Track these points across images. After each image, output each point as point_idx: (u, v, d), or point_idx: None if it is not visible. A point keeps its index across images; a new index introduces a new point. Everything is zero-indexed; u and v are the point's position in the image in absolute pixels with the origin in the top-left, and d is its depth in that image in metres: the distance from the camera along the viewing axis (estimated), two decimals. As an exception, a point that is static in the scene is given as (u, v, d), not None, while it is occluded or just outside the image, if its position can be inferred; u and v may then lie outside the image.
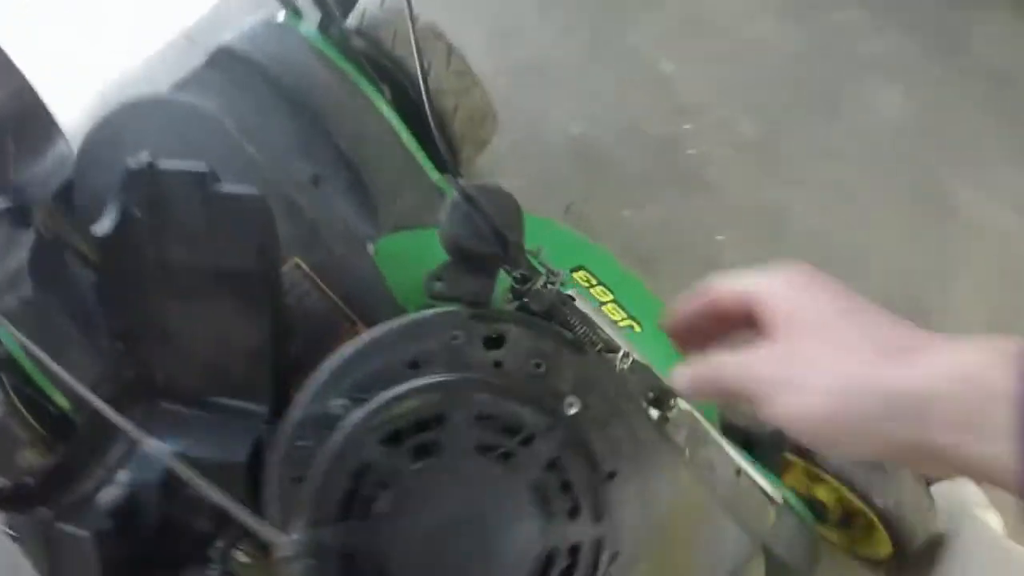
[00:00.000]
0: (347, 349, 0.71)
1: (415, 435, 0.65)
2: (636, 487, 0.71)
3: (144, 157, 0.79)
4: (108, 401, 0.83)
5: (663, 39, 1.96)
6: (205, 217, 0.81)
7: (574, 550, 0.65)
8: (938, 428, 0.44)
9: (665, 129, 1.79)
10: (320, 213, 0.90)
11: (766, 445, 1.11)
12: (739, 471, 0.83)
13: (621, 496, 0.70)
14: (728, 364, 0.52)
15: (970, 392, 0.44)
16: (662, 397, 0.80)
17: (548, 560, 0.64)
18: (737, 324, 0.56)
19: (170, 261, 0.82)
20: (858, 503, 1.23)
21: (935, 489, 1.31)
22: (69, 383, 0.69)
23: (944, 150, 1.85)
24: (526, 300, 0.76)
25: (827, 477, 1.23)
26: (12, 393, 0.87)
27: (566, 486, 0.65)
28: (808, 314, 0.50)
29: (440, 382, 0.66)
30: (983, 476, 0.44)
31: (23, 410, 0.88)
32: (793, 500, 1.11)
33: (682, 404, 0.80)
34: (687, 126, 1.79)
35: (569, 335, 0.72)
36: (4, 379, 0.87)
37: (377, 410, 0.65)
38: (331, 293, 0.88)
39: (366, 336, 0.71)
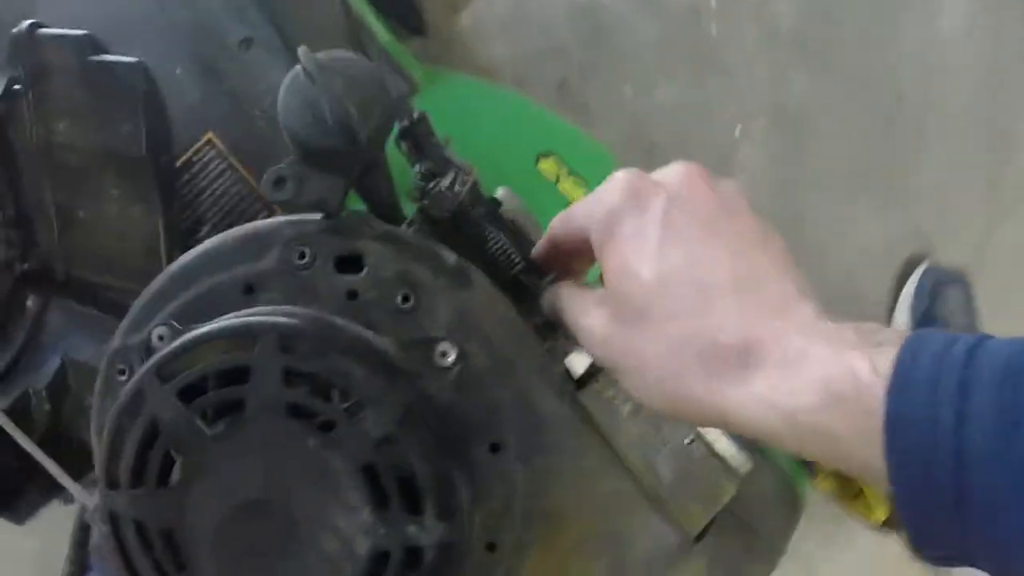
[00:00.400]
0: (176, 263, 0.55)
1: (216, 390, 0.49)
2: (524, 466, 0.53)
3: (27, 23, 0.66)
4: (6, 289, 0.74)
5: None
6: (85, 90, 0.67)
7: (413, 552, 0.48)
8: (798, 445, 0.39)
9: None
10: (244, 82, 0.73)
11: None
12: (692, 438, 0.62)
13: (501, 475, 0.52)
14: (569, 311, 0.51)
15: (838, 420, 0.36)
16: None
17: (380, 559, 0.49)
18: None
19: (55, 140, 0.69)
20: None
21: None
22: None
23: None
24: (425, 203, 0.57)
25: None
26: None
27: (402, 473, 0.48)
28: (636, 282, 0.43)
29: (247, 326, 0.49)
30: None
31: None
32: (784, 457, 0.88)
33: None
34: (713, 1, 1.40)
35: (452, 258, 0.53)
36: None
37: (173, 354, 0.50)
38: (248, 176, 0.73)
39: (197, 249, 0.55)
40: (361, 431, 0.47)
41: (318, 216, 0.53)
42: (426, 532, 0.48)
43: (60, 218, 0.72)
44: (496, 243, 0.58)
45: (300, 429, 0.48)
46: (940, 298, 1.30)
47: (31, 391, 0.70)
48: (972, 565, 0.35)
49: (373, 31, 0.78)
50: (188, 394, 0.49)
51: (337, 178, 0.52)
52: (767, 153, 1.27)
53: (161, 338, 0.54)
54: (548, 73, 1.26)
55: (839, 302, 0.43)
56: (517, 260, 0.58)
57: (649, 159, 1.22)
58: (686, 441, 0.63)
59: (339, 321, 0.50)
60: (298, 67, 0.50)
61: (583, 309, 0.50)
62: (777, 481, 0.75)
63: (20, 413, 0.70)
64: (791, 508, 0.75)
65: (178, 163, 0.73)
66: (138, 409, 0.50)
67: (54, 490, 0.70)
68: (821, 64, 1.30)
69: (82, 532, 0.65)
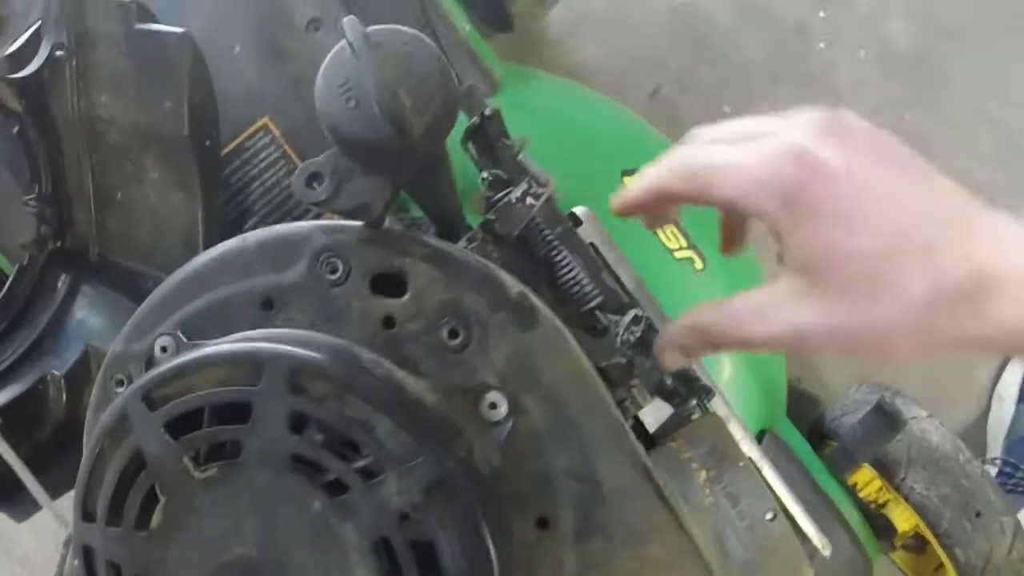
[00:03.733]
0: (188, 265, 0.43)
1: (211, 426, 0.36)
2: (577, 548, 0.38)
3: None
4: (36, 270, 0.62)
5: None
6: (129, 60, 0.55)
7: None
8: None
9: (794, 12, 1.18)
10: (308, 66, 0.60)
11: (843, 448, 0.70)
12: (775, 513, 0.47)
13: (547, 558, 0.38)
14: (741, 326, 0.38)
15: None
16: (685, 388, 0.46)
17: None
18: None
19: (97, 114, 0.57)
20: (935, 545, 0.77)
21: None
22: None
23: None
24: (491, 216, 0.43)
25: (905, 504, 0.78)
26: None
27: (424, 551, 0.34)
28: (858, 256, 0.35)
29: (251, 353, 0.36)
30: None
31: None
32: (856, 520, 0.72)
33: (719, 404, 0.45)
34: (823, 14, 1.17)
35: (515, 289, 0.39)
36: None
37: (163, 377, 0.37)
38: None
39: (213, 250, 0.42)
40: (378, 500, 0.34)
41: (357, 224, 0.40)
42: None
43: (98, 198, 0.60)
44: (570, 270, 0.44)
45: (304, 486, 0.34)
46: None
47: (49, 376, 0.59)
48: None
49: (452, 21, 0.64)
50: (178, 426, 0.36)
51: (383, 180, 0.38)
52: None
53: (164, 349, 0.41)
54: (642, 80, 1.07)
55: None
56: (594, 292, 0.44)
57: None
58: (767, 517, 0.48)
59: (367, 356, 0.37)
60: (343, 42, 0.37)
61: (769, 315, 0.37)
62: (851, 554, 0.60)
63: (35, 400, 0.59)
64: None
65: (228, 149, 0.60)
66: (122, 434, 0.38)
67: (60, 488, 0.59)
68: (933, 93, 1.11)
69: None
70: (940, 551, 0.73)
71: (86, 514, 0.39)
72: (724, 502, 0.48)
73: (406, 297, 0.38)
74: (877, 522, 0.73)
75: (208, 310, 0.41)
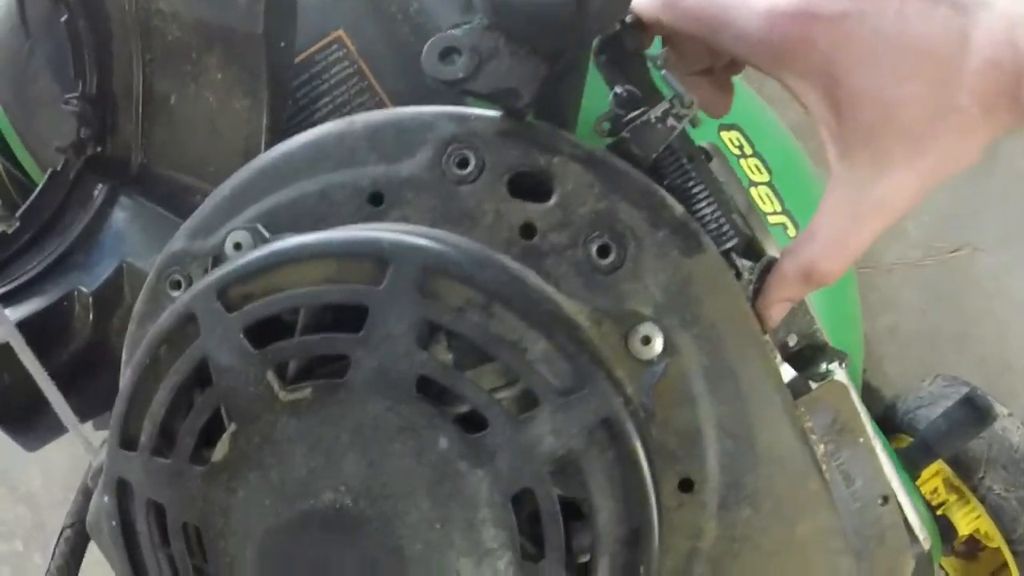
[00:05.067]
0: (273, 151, 0.31)
1: (307, 336, 0.25)
2: (721, 516, 0.28)
3: None
4: (71, 176, 0.50)
5: None
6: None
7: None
8: None
9: None
10: (389, -18, 0.49)
11: (923, 441, 0.61)
12: (886, 498, 0.37)
13: (687, 525, 0.28)
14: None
15: None
16: (810, 349, 0.36)
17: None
18: None
19: (156, 8, 0.45)
20: (1002, 548, 0.68)
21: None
22: None
23: None
24: (626, 135, 0.33)
25: (975, 502, 0.68)
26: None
27: (570, 512, 0.24)
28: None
29: (374, 242, 0.25)
30: None
31: (1, 173, 0.57)
32: (926, 517, 0.63)
33: (838, 372, 0.35)
34: None
35: (679, 208, 0.29)
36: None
37: (248, 270, 0.26)
38: (379, 87, 0.48)
39: (307, 134, 0.31)
40: (526, 441, 0.23)
41: (495, 113, 0.29)
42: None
43: (147, 101, 0.48)
44: (708, 205, 0.34)
45: (429, 419, 0.24)
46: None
47: (76, 293, 0.47)
48: None
49: None
50: (263, 334, 0.26)
51: (536, 61, 0.28)
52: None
53: (239, 246, 0.29)
54: None
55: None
56: (729, 232, 0.34)
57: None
58: (879, 501, 0.39)
59: (512, 264, 0.26)
60: None
61: (859, 214, 0.30)
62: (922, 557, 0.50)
63: (59, 317, 0.47)
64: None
65: (299, 59, 0.49)
66: (185, 341, 0.27)
67: (79, 416, 0.47)
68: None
69: (96, 479, 0.41)
70: (1009, 557, 0.64)
71: (126, 440, 0.28)
72: (839, 479, 0.38)
73: (552, 202, 0.28)
74: (937, 524, 0.65)
75: (296, 204, 0.30)
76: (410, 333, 0.24)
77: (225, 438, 0.26)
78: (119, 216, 0.48)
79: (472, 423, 0.24)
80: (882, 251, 0.86)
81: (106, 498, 0.29)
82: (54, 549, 0.40)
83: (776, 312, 0.33)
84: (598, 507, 0.24)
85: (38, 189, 0.49)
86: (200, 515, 0.27)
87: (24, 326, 0.45)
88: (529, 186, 0.29)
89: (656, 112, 0.33)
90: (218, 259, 0.31)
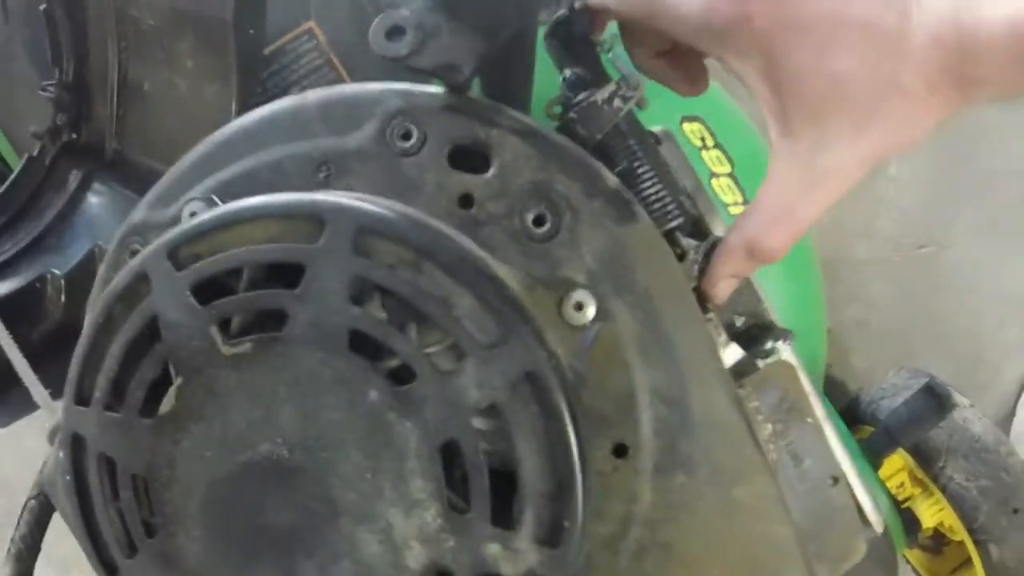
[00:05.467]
0: (230, 125, 0.33)
1: (248, 292, 0.27)
2: (657, 481, 0.30)
3: None
4: (46, 161, 0.52)
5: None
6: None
7: (491, 584, 0.26)
8: None
9: None
10: (362, -27, 0.51)
11: (885, 430, 0.63)
12: (836, 479, 0.39)
13: (621, 489, 0.30)
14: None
15: None
16: (757, 328, 0.37)
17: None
18: None
19: (130, -4, 0.47)
20: (965, 541, 0.69)
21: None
22: None
23: None
24: (572, 115, 0.35)
25: (938, 495, 0.69)
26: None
27: (495, 465, 0.26)
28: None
29: (310, 203, 0.27)
30: None
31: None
32: (887, 507, 0.64)
33: (784, 351, 0.37)
34: None
35: (613, 180, 0.30)
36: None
37: (196, 231, 0.28)
38: (347, 76, 0.50)
39: (262, 109, 0.33)
40: (452, 393, 0.25)
41: (437, 89, 0.31)
42: (514, 557, 0.26)
43: (122, 88, 0.50)
44: (652, 185, 0.35)
45: (361, 371, 0.25)
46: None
47: (49, 275, 0.49)
48: None
49: None
50: (207, 291, 0.27)
51: (476, 38, 0.29)
52: (926, 167, 0.99)
53: (194, 215, 0.31)
54: None
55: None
56: (675, 212, 0.36)
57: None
58: (829, 482, 0.40)
59: (444, 227, 0.28)
60: None
61: (808, 185, 0.30)
62: (879, 542, 0.52)
63: (32, 298, 0.48)
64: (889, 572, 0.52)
65: (269, 49, 0.51)
66: (136, 299, 0.28)
67: (51, 393, 0.48)
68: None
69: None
70: (971, 547, 0.65)
71: (80, 396, 0.29)
72: (787, 460, 0.40)
73: (490, 173, 0.30)
74: (901, 516, 0.66)
75: (250, 175, 0.31)
76: (344, 289, 0.25)
77: (171, 391, 0.27)
78: (93, 201, 0.50)
79: (402, 378, 0.26)
80: (853, 246, 0.88)
81: (61, 454, 0.31)
82: (18, 519, 0.41)
83: (722, 288, 0.34)
84: (522, 459, 0.26)
85: (14, 174, 0.51)
86: (147, 466, 0.28)
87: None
88: (470, 158, 0.31)
89: (603, 94, 0.35)
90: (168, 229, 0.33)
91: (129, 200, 0.49)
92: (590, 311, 0.29)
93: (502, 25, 0.30)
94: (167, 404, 0.28)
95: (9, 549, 0.41)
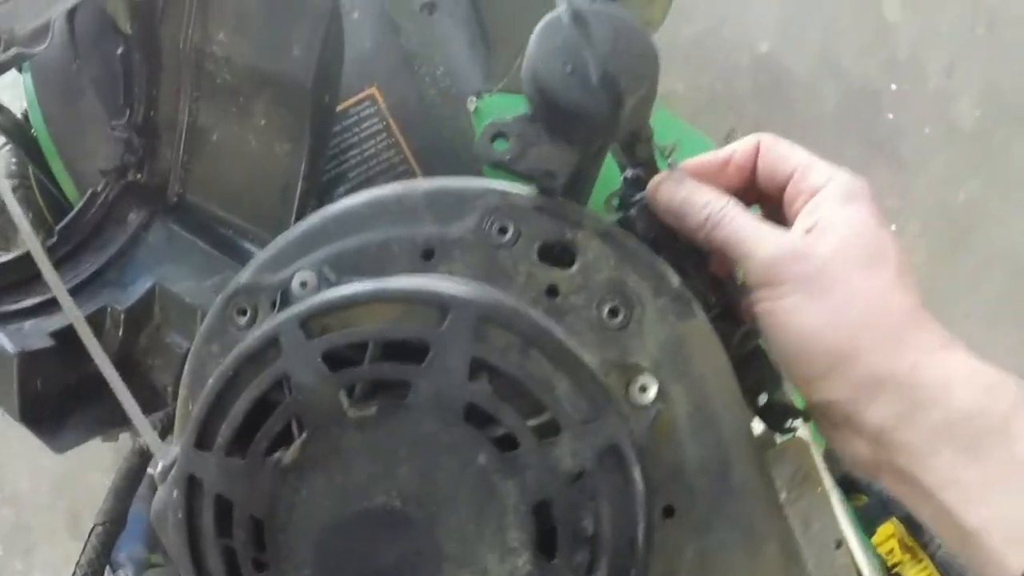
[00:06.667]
0: (339, 204, 0.39)
1: (375, 363, 0.33)
2: (698, 539, 0.36)
3: None
4: (110, 197, 0.57)
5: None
6: (261, 2, 0.51)
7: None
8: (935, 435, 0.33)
9: (868, 80, 1.16)
10: (421, 45, 0.57)
11: (878, 499, 0.70)
12: (839, 542, 0.46)
13: (666, 546, 0.36)
14: (740, 217, 0.38)
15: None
16: (778, 407, 0.44)
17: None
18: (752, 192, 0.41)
19: (210, 50, 0.53)
20: None
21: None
22: None
23: None
24: (631, 213, 0.42)
25: (927, 561, 0.74)
26: (31, 166, 0.63)
27: (578, 524, 0.32)
28: (852, 234, 0.36)
29: (438, 294, 0.33)
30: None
31: (34, 185, 0.64)
32: (877, 568, 0.71)
33: (799, 428, 0.44)
34: (894, 87, 1.15)
35: (676, 281, 0.37)
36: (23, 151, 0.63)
37: (329, 305, 0.34)
38: (404, 143, 0.57)
39: (370, 192, 0.39)
40: (549, 460, 0.31)
41: (532, 190, 0.38)
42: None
43: (190, 135, 0.56)
44: (697, 278, 0.42)
45: (472, 438, 0.32)
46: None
47: (109, 309, 0.54)
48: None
49: None
50: (334, 360, 0.33)
51: (571, 149, 0.36)
52: (926, 253, 1.08)
53: (304, 284, 0.37)
54: (719, 119, 1.07)
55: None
56: (714, 302, 0.43)
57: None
58: (834, 545, 0.47)
59: (541, 317, 0.34)
60: (559, 11, 0.35)
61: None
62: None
63: (92, 331, 0.53)
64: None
65: (332, 111, 0.57)
66: (267, 360, 0.34)
67: (105, 424, 0.53)
68: (992, 170, 1.09)
69: (128, 480, 0.47)
70: None
71: (202, 441, 0.35)
72: (798, 523, 0.47)
73: (574, 269, 0.36)
74: None
75: (359, 251, 0.37)
76: (464, 368, 0.32)
77: (297, 444, 0.33)
78: (153, 240, 0.55)
79: (506, 443, 0.32)
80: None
81: (174, 492, 0.36)
82: (84, 544, 0.46)
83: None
84: (601, 517, 0.32)
85: (77, 207, 0.55)
86: (266, 510, 0.34)
87: (58, 336, 0.52)
88: (556, 253, 0.37)
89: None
90: (285, 294, 0.38)
91: (190, 243, 0.54)
92: (652, 393, 0.36)
93: (593, 141, 0.37)
94: (291, 455, 0.33)
95: (75, 573, 0.46)
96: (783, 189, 0.39)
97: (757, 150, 0.40)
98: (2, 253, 0.62)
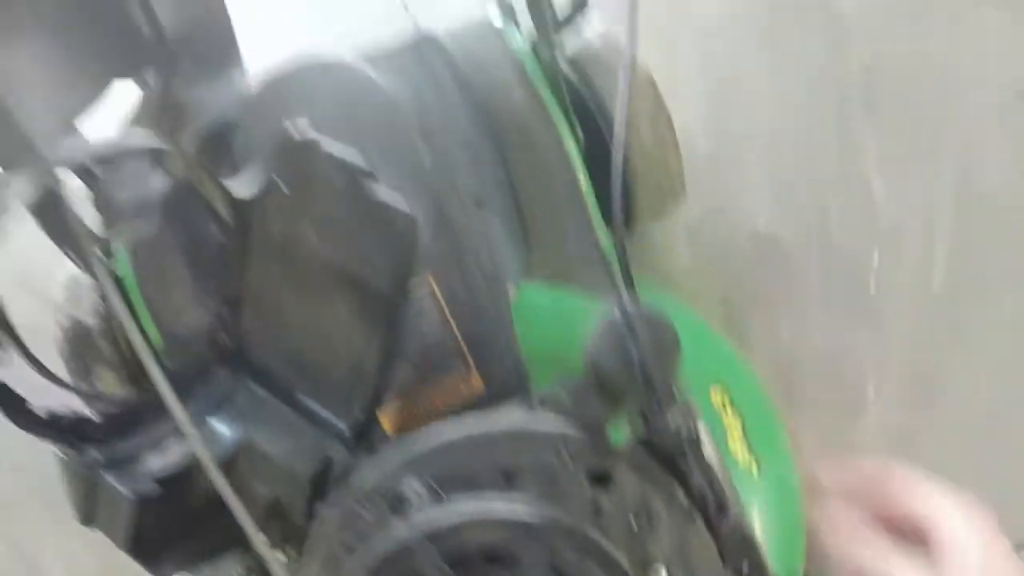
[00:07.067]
0: (439, 434, 0.54)
1: (481, 566, 0.48)
2: None
3: (306, 130, 0.62)
4: (196, 360, 0.69)
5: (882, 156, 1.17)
6: (347, 213, 0.64)
7: None
8: None
9: (853, 250, 1.15)
10: (471, 238, 0.72)
11: None
12: None
13: None
14: None
15: None
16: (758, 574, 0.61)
17: None
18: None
19: (298, 244, 0.66)
20: None
21: None
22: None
23: None
24: (650, 440, 0.57)
25: None
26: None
27: None
28: None
29: (526, 524, 0.48)
30: None
31: (114, 328, 0.75)
32: None
33: None
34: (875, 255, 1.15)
35: (682, 497, 0.53)
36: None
37: (453, 529, 0.49)
38: (455, 326, 0.71)
39: (461, 427, 0.54)
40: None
41: (584, 433, 0.53)
42: None
43: (274, 314, 0.68)
44: (696, 488, 0.58)
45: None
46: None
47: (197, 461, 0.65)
48: None
49: (594, 223, 0.75)
50: (451, 559, 0.48)
51: (612, 405, 0.52)
52: (895, 418, 1.10)
53: (418, 495, 0.51)
54: (715, 289, 1.10)
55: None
56: (709, 500, 0.58)
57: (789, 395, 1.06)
58: None
59: (594, 531, 0.50)
60: (616, 314, 0.51)
61: None
62: None
63: (181, 478, 0.65)
64: None
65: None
66: (399, 562, 0.48)
67: (197, 557, 0.65)
68: (969, 334, 1.12)
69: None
70: None
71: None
72: None
73: (611, 489, 0.52)
74: None
75: (457, 471, 0.52)
76: (544, 570, 0.47)
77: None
78: (240, 399, 0.67)
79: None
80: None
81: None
82: None
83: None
84: None
85: (170, 364, 0.67)
86: None
87: (162, 482, 0.64)
88: (596, 475, 0.53)
89: (676, 419, 0.58)
90: (399, 497, 0.52)
91: (275, 407, 0.66)
92: (663, 579, 0.52)
93: (631, 401, 0.52)
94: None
95: None
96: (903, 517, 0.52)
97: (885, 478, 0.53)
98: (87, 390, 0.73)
